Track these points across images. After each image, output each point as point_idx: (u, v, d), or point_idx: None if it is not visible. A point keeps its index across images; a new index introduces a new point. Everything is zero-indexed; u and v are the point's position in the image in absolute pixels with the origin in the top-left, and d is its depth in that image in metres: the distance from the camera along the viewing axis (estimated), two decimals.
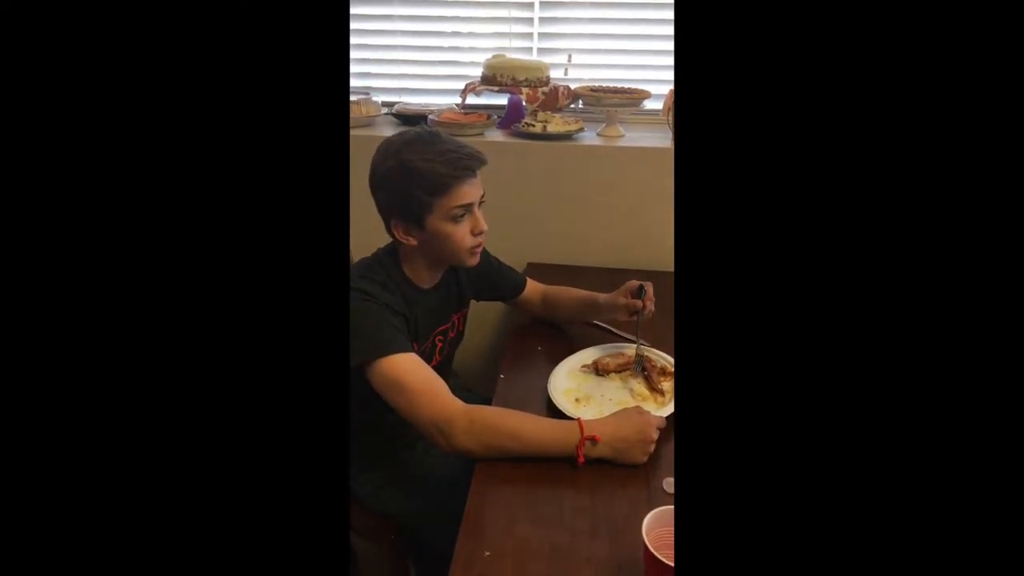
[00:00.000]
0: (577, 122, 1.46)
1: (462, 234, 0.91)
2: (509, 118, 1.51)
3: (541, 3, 1.52)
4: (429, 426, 0.81)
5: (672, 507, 0.64)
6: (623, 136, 1.47)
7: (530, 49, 1.57)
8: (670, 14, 1.49)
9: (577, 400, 0.96)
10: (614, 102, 1.42)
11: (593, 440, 0.80)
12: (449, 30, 1.59)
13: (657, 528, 0.63)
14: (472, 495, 0.78)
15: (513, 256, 1.50)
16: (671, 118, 1.43)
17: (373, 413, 0.88)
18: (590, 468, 0.81)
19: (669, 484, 0.79)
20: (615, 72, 1.55)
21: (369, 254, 0.99)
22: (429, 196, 0.88)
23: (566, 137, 1.43)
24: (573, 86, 1.51)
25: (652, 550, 0.59)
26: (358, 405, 0.87)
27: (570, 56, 1.55)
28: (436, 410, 0.81)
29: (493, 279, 1.12)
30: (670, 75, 1.53)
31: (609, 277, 1.40)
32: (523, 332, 1.19)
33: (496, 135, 1.49)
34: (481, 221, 0.92)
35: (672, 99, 1.42)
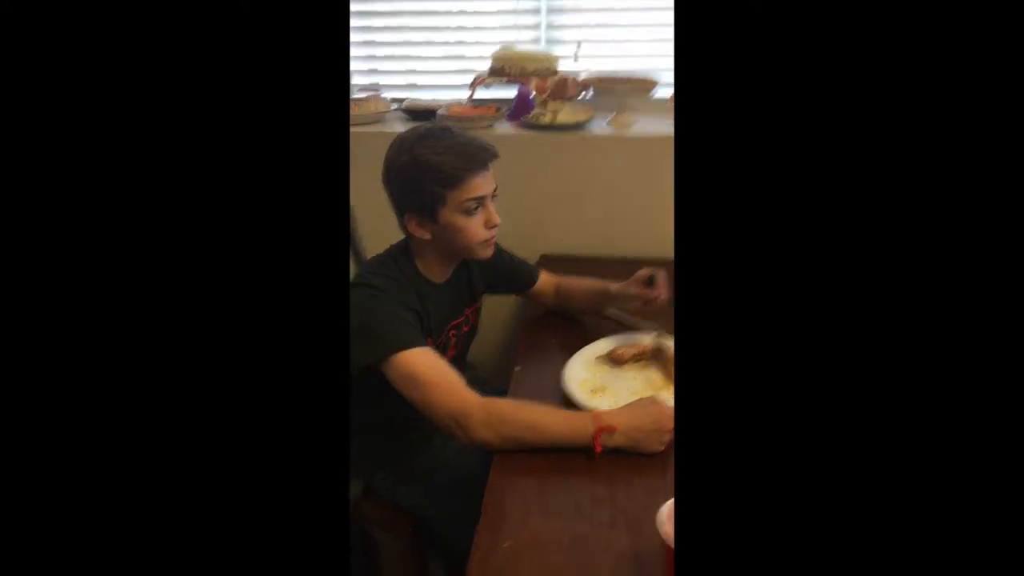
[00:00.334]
0: (587, 111, 1.45)
1: (475, 227, 0.91)
2: (518, 110, 1.50)
3: None
4: (446, 419, 0.82)
5: None
6: (634, 124, 1.45)
7: (538, 40, 1.56)
8: None
9: (593, 391, 0.96)
10: (624, 90, 1.41)
11: (609, 430, 0.80)
12: (456, 24, 1.58)
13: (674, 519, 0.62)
14: (490, 487, 0.78)
15: (526, 249, 1.50)
16: None
17: (389, 408, 0.89)
18: (607, 459, 0.81)
19: None
20: (624, 61, 1.53)
21: (382, 251, 1.00)
22: (442, 189, 0.88)
23: (576, 127, 1.42)
24: (582, 75, 1.50)
25: (668, 542, 0.59)
26: (374, 401, 0.88)
27: (579, 45, 1.54)
28: (453, 403, 0.82)
29: (506, 272, 1.12)
30: None
31: (624, 267, 1.38)
32: (537, 324, 1.19)
33: (506, 128, 1.48)
34: (494, 214, 0.92)
35: None
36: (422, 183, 0.88)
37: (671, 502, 0.63)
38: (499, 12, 1.55)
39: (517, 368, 1.04)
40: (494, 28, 1.57)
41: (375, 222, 1.04)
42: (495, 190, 0.93)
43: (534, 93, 1.47)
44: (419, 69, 1.63)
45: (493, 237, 0.94)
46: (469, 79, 1.53)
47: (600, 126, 1.46)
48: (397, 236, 0.99)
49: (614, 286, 1.10)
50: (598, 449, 0.80)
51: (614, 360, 1.02)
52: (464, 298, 1.06)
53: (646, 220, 1.45)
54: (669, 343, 1.04)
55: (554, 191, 1.46)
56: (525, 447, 0.82)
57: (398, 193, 0.92)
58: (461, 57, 1.61)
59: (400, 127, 1.49)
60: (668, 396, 0.92)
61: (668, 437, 0.81)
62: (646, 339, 1.06)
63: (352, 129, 1.19)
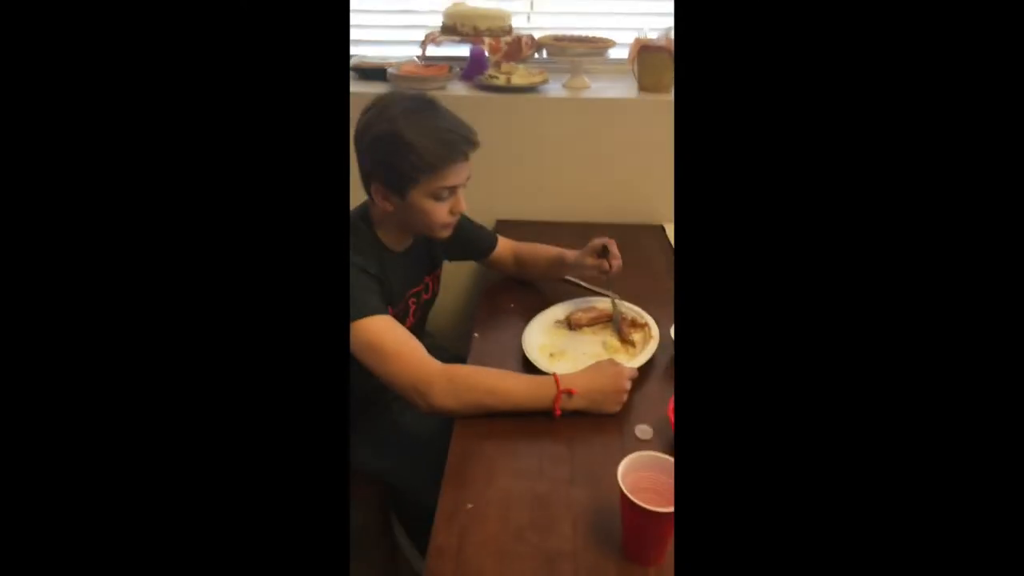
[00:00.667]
0: (541, 73, 1.43)
1: (441, 212, 0.91)
2: (471, 70, 1.47)
3: None
4: (407, 387, 0.82)
5: (646, 453, 0.67)
6: (589, 87, 1.45)
7: None
8: None
9: (552, 355, 0.98)
10: (579, 52, 1.40)
11: (569, 393, 0.82)
12: None
13: (632, 473, 0.65)
14: (452, 450, 0.80)
15: (482, 213, 1.49)
16: (636, 67, 1.42)
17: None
18: (566, 419, 0.84)
19: (642, 431, 0.83)
20: (578, 19, 1.51)
21: None
22: (417, 172, 0.87)
23: (531, 89, 1.41)
24: (537, 35, 1.47)
25: (627, 494, 0.62)
26: None
27: (532, 3, 1.51)
28: (413, 371, 0.82)
29: (465, 239, 1.12)
30: (635, 23, 1.50)
31: (580, 231, 1.40)
32: (495, 290, 1.20)
33: (459, 88, 1.45)
34: (461, 202, 0.93)
35: (637, 48, 1.40)
36: (397, 160, 0.86)
37: (629, 458, 0.66)
38: None
39: (476, 335, 1.05)
40: None
41: None
42: (467, 178, 0.92)
43: (487, 53, 1.44)
44: (366, 24, 1.56)
45: (455, 221, 0.94)
46: (419, 36, 1.48)
47: (555, 88, 1.45)
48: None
49: (569, 254, 1.12)
50: (558, 412, 0.83)
51: (571, 325, 1.04)
52: (424, 265, 1.05)
53: (603, 184, 1.46)
54: (623, 307, 1.07)
55: (510, 155, 1.45)
56: (487, 412, 0.83)
57: (369, 161, 0.90)
58: (411, 12, 1.55)
59: (349, 85, 1.44)
60: (624, 358, 0.95)
61: (624, 397, 0.85)
62: (601, 304, 1.08)
63: None
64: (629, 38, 1.44)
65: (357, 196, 0.97)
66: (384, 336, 0.84)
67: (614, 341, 1.02)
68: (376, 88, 1.41)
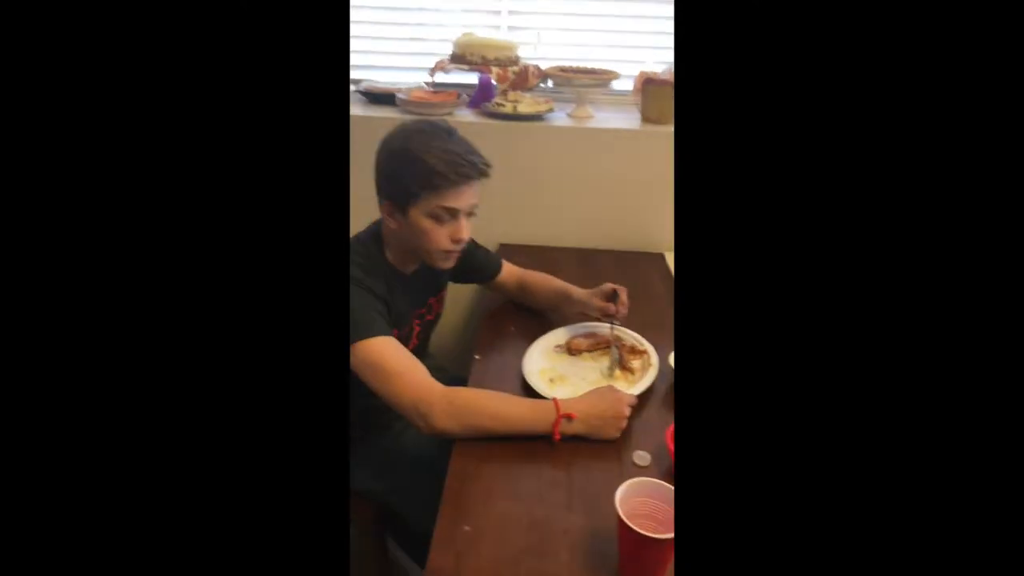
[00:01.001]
0: (547, 102, 1.46)
1: (439, 236, 0.90)
2: (479, 97, 1.50)
3: None
4: (408, 408, 0.83)
5: (644, 479, 0.67)
6: (593, 117, 1.48)
7: (499, 27, 1.56)
8: None
9: (551, 380, 0.99)
10: (584, 83, 1.43)
11: (569, 418, 0.83)
12: (416, 5, 1.56)
13: (630, 499, 0.66)
14: (451, 472, 0.80)
15: (484, 237, 1.50)
16: (640, 99, 1.45)
17: (351, 394, 0.89)
18: (565, 444, 0.84)
19: (640, 457, 0.83)
20: (584, 51, 1.56)
21: (350, 233, 0.99)
22: (418, 188, 0.88)
23: (537, 117, 1.44)
24: (543, 66, 1.51)
25: (625, 520, 0.62)
26: None
27: (539, 35, 1.55)
28: (415, 392, 0.83)
29: (471, 262, 1.13)
30: (639, 55, 1.55)
31: (579, 257, 1.43)
32: (496, 313, 1.21)
33: (466, 114, 1.48)
34: (463, 230, 0.91)
35: (641, 80, 1.44)
36: (403, 175, 0.88)
37: (627, 484, 0.66)
38: None
39: (477, 357, 1.06)
40: (454, 11, 1.56)
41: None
42: (474, 207, 0.92)
43: (495, 81, 1.48)
44: (376, 50, 1.60)
45: (456, 252, 0.93)
46: (428, 62, 1.52)
47: (560, 117, 1.48)
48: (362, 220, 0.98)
49: (577, 291, 1.12)
50: (557, 436, 0.83)
51: (571, 350, 1.05)
52: (431, 288, 1.06)
53: (605, 211, 1.49)
54: (622, 333, 1.08)
55: (514, 180, 1.47)
56: (487, 435, 0.84)
57: (382, 176, 0.92)
58: (421, 40, 1.59)
59: (358, 108, 1.47)
60: (623, 385, 0.96)
61: (624, 424, 0.85)
62: (601, 330, 1.10)
63: None
64: (633, 71, 1.48)
65: (359, 216, 1.00)
66: (387, 357, 0.85)
67: (614, 367, 1.03)
68: (385, 112, 1.45)
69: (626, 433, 0.87)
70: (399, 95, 1.45)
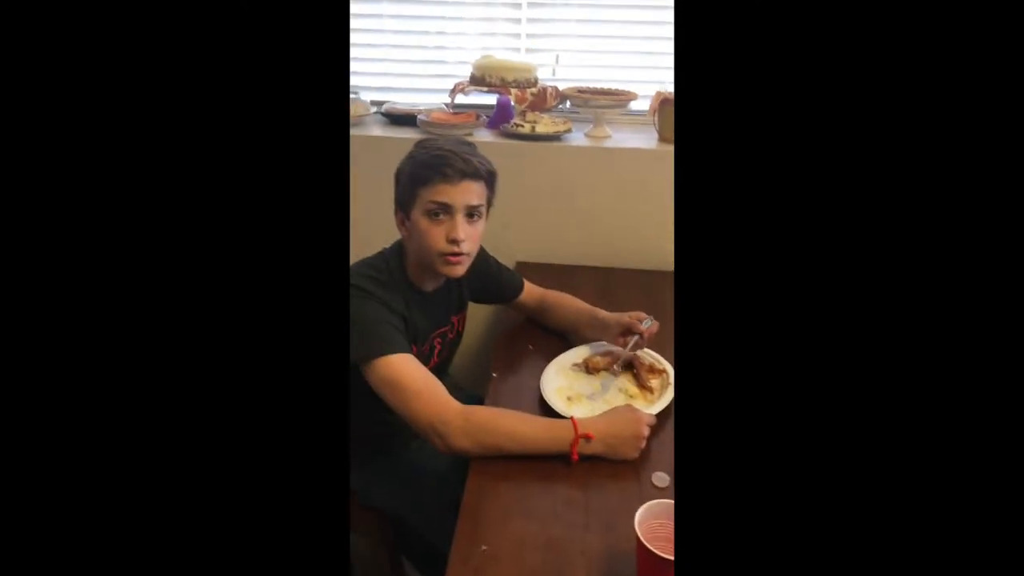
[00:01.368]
0: (566, 123, 1.48)
1: (436, 235, 0.89)
2: (498, 118, 1.53)
3: (528, 3, 1.53)
4: (426, 427, 0.83)
5: (663, 501, 0.67)
6: (610, 137, 1.49)
7: (518, 49, 1.59)
8: (657, 15, 1.52)
9: (569, 399, 0.99)
10: (602, 103, 1.45)
11: (587, 438, 0.82)
12: (436, 29, 1.60)
13: (649, 521, 0.65)
14: (468, 492, 0.80)
15: (502, 255, 1.50)
16: (657, 119, 1.46)
17: (367, 411, 0.90)
18: (582, 465, 0.84)
19: (659, 479, 0.83)
20: (602, 72, 1.57)
21: (371, 254, 1.00)
22: (414, 185, 0.90)
23: (555, 138, 1.46)
24: (561, 87, 1.53)
25: (644, 542, 0.62)
26: (354, 402, 0.89)
27: (557, 57, 1.57)
28: (433, 411, 0.83)
29: (492, 281, 1.13)
30: (656, 76, 1.56)
31: (597, 276, 1.44)
32: (513, 331, 1.21)
33: (485, 135, 1.50)
34: (458, 228, 0.88)
35: (658, 100, 1.45)
36: (405, 177, 0.91)
37: (646, 506, 0.66)
38: (479, 19, 1.57)
39: (494, 375, 1.06)
40: (474, 35, 1.59)
41: (360, 226, 1.05)
42: (474, 208, 0.91)
43: (514, 103, 1.50)
44: (396, 72, 1.64)
45: (456, 255, 0.90)
46: (447, 84, 1.55)
47: (578, 137, 1.50)
48: (367, 245, 1.00)
49: (603, 313, 1.10)
50: (575, 456, 0.83)
51: (589, 369, 1.05)
52: (452, 307, 1.07)
53: (622, 230, 1.50)
54: (641, 353, 1.07)
55: (532, 199, 1.49)
56: (504, 454, 0.84)
57: (396, 188, 0.95)
58: (441, 62, 1.62)
59: (378, 130, 1.50)
60: (642, 404, 0.95)
61: (643, 444, 0.85)
62: (618, 349, 1.09)
63: None
64: (651, 91, 1.49)
65: (380, 235, 1.02)
66: (405, 374, 0.85)
67: (632, 387, 1.02)
68: (405, 133, 1.48)
69: (644, 453, 0.86)
70: (420, 116, 1.47)
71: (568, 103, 1.54)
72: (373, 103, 1.60)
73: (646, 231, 1.48)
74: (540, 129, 1.43)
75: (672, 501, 0.67)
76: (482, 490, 0.80)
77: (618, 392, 1.01)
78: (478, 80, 1.48)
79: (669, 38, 1.55)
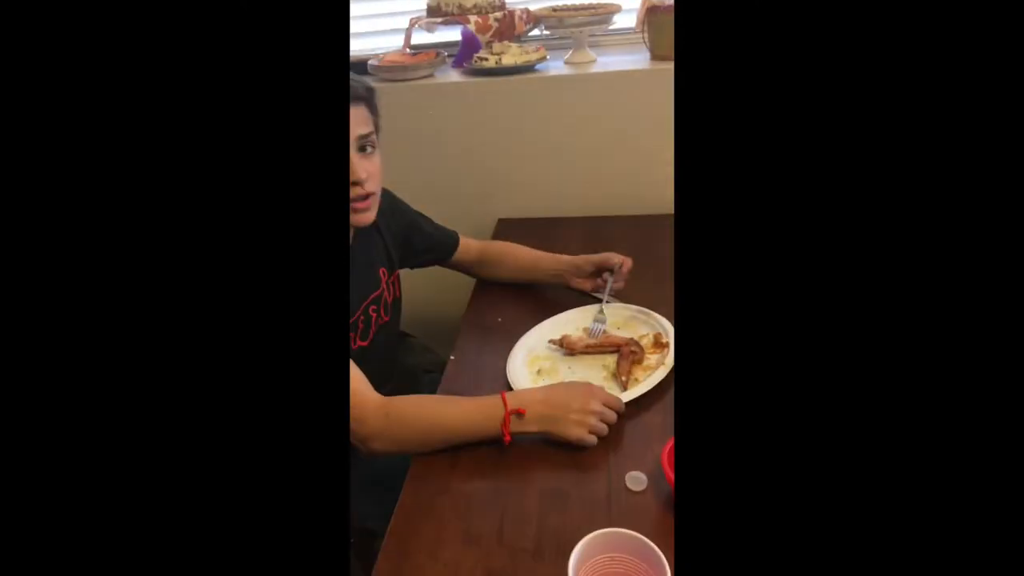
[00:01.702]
0: (539, 50, 1.26)
1: None
2: (464, 54, 1.32)
3: None
4: None
5: (615, 530, 0.50)
6: (594, 61, 1.27)
7: None
8: None
9: (539, 371, 0.85)
10: (578, 21, 1.22)
11: (518, 414, 0.69)
12: None
13: (596, 557, 0.50)
14: (398, 510, 0.67)
15: (480, 213, 1.35)
16: (647, 33, 1.22)
17: None
18: (541, 468, 0.69)
19: (634, 480, 0.66)
20: None
21: None
22: None
23: (527, 69, 1.24)
24: (532, 7, 1.31)
25: None
26: None
27: None
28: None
29: (420, 239, 0.99)
30: None
31: (587, 228, 1.24)
32: (482, 301, 1.05)
33: (450, 75, 1.31)
34: (356, 168, 0.74)
35: (646, 9, 1.21)
36: None
37: (591, 537, 0.50)
38: None
39: (452, 358, 0.91)
40: None
41: None
42: (366, 139, 0.75)
43: (476, 32, 1.29)
44: (353, 15, 1.45)
45: (362, 200, 0.76)
46: (404, 23, 1.35)
47: (556, 66, 1.28)
48: None
49: (545, 261, 0.99)
50: (507, 437, 0.69)
51: (567, 347, 0.88)
52: (376, 262, 0.92)
53: (617, 171, 1.28)
54: (654, 319, 0.90)
55: (508, 145, 1.29)
56: (433, 448, 0.71)
57: None
58: None
59: None
60: (615, 389, 0.79)
61: (590, 421, 0.69)
62: (616, 330, 0.91)
63: None
64: (637, 2, 1.25)
65: None
66: None
67: (611, 365, 0.85)
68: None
69: (618, 446, 0.71)
70: (371, 61, 1.29)
71: (541, 26, 1.31)
72: None
73: (642, 168, 1.26)
74: (507, 60, 1.22)
75: (622, 531, 0.50)
76: (415, 507, 0.67)
77: (601, 369, 0.84)
78: (434, 10, 1.27)
79: None
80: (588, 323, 0.92)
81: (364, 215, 0.78)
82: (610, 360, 0.85)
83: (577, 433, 0.69)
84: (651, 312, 0.91)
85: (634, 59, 1.26)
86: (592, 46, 1.31)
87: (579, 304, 0.97)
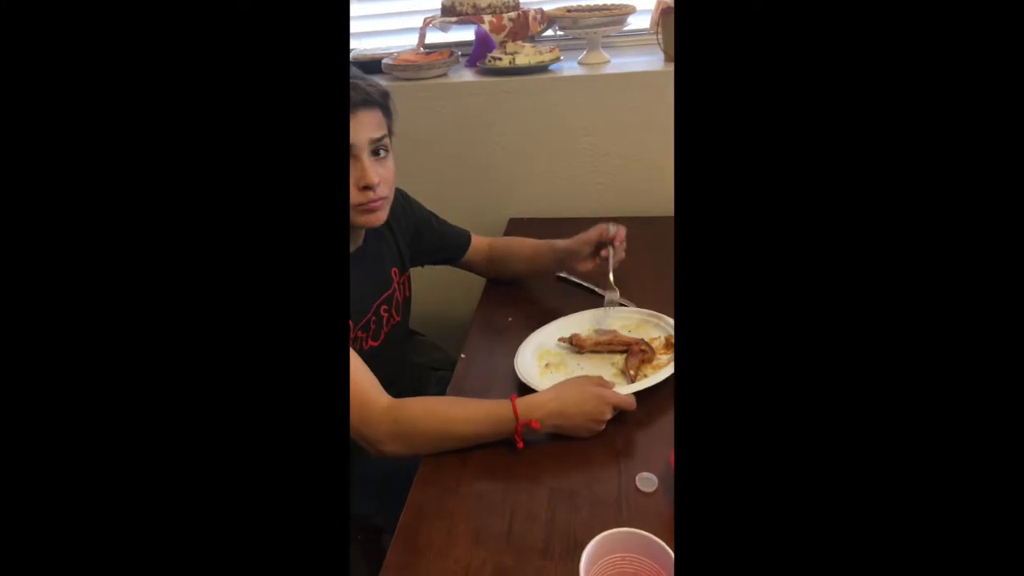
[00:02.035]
0: (552, 51, 1.26)
1: None
2: (477, 53, 1.32)
3: None
4: (352, 433, 0.71)
5: (625, 530, 0.50)
6: (608, 62, 1.27)
7: None
8: None
9: (547, 365, 0.86)
10: (592, 22, 1.22)
11: (531, 427, 0.70)
12: None
13: (608, 556, 0.49)
14: (407, 508, 0.66)
15: (492, 213, 1.35)
16: (661, 34, 1.22)
17: None
18: (550, 467, 0.69)
19: (645, 481, 0.66)
20: None
21: None
22: None
23: (540, 69, 1.24)
24: (547, 8, 1.31)
25: None
26: None
27: None
28: (357, 412, 0.70)
29: (431, 238, 0.98)
30: None
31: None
32: (491, 300, 1.05)
33: (463, 74, 1.31)
34: (368, 172, 0.74)
35: (660, 10, 1.20)
36: None
37: (602, 537, 0.49)
38: None
39: (463, 356, 0.91)
40: None
41: None
42: (380, 142, 0.75)
43: (490, 32, 1.29)
44: (365, 14, 1.45)
45: (373, 202, 0.76)
46: (419, 22, 1.36)
47: (571, 66, 1.28)
48: None
49: (561, 242, 0.97)
50: (520, 444, 0.70)
51: (576, 344, 0.88)
52: (389, 262, 0.92)
53: (629, 171, 1.28)
54: (656, 319, 0.90)
55: (521, 144, 1.29)
56: (443, 450, 0.71)
57: None
58: None
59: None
60: (621, 383, 0.78)
61: (601, 426, 0.71)
62: (621, 325, 0.91)
63: None
64: (650, 2, 1.25)
65: None
66: None
67: (619, 363, 0.84)
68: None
69: (628, 449, 0.70)
70: (385, 60, 1.29)
71: (556, 26, 1.31)
72: None
73: (657, 169, 1.26)
74: (520, 60, 1.22)
75: (634, 531, 0.50)
76: (425, 505, 0.67)
77: (611, 366, 0.84)
78: (448, 10, 1.28)
79: None
80: (599, 324, 0.92)
81: (375, 215, 0.78)
82: (619, 359, 0.85)
83: (591, 433, 0.71)
84: (663, 316, 0.90)
85: (648, 60, 1.26)
86: (606, 47, 1.30)
87: (591, 306, 0.96)
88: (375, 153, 0.76)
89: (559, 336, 0.90)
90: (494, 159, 1.31)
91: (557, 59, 1.26)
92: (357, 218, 0.77)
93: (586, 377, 0.75)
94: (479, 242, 1.04)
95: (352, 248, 0.85)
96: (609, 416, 0.71)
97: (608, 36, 1.30)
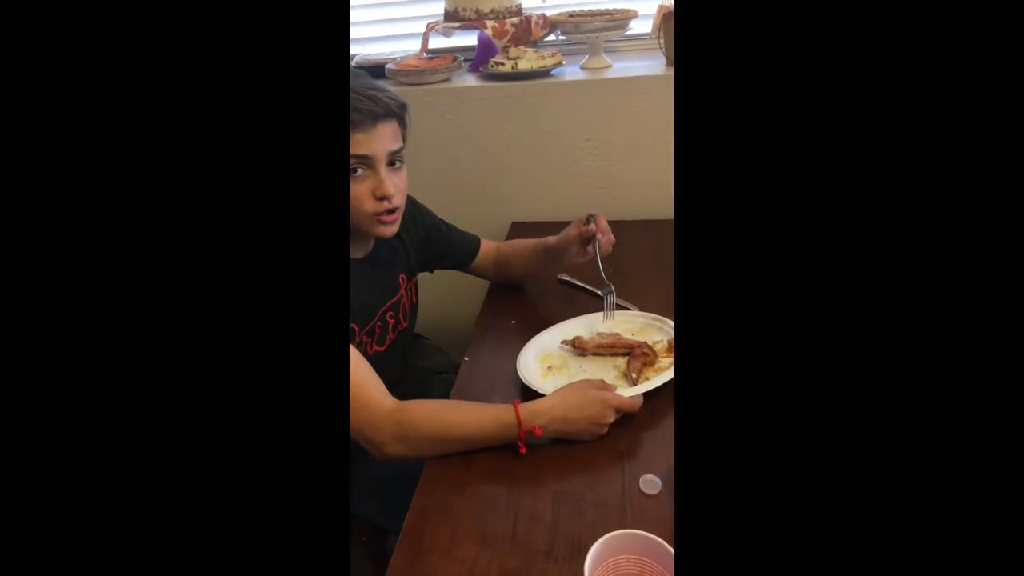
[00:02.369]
0: (555, 55, 1.27)
1: (361, 194, 0.75)
2: (480, 58, 1.33)
3: None
4: (355, 434, 0.71)
5: (630, 532, 0.51)
6: (610, 66, 1.27)
7: None
8: None
9: (550, 367, 0.86)
10: (594, 27, 1.22)
11: (534, 433, 0.70)
12: None
13: (612, 557, 0.50)
14: (412, 509, 0.67)
15: (494, 217, 1.35)
16: (662, 39, 1.23)
17: None
18: (553, 470, 0.69)
19: (648, 483, 0.66)
20: None
21: None
22: None
23: (543, 74, 1.25)
24: (549, 13, 1.32)
25: None
26: None
27: None
28: (360, 415, 0.70)
29: (441, 245, 0.99)
30: None
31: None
32: (494, 304, 1.05)
33: (466, 79, 1.32)
34: (385, 183, 0.75)
35: (662, 15, 1.21)
36: None
37: (606, 539, 0.50)
38: None
39: (466, 359, 0.91)
40: None
41: None
42: (394, 154, 0.77)
43: (493, 37, 1.30)
44: (368, 19, 1.46)
45: (390, 212, 0.77)
46: (422, 27, 1.37)
47: (572, 71, 1.28)
48: None
49: (551, 239, 0.97)
50: (523, 449, 0.71)
51: (579, 347, 0.88)
52: (397, 268, 0.92)
53: (631, 175, 1.29)
54: (659, 322, 0.91)
55: (523, 148, 1.30)
56: (447, 453, 0.72)
57: None
58: (414, 2, 1.43)
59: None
60: (624, 386, 0.79)
61: (604, 430, 0.71)
62: (625, 330, 0.91)
63: None
64: (651, 7, 1.26)
65: None
66: None
67: (621, 366, 0.85)
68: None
69: (632, 451, 0.70)
70: (388, 65, 1.30)
71: (558, 32, 1.32)
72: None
73: (659, 173, 1.27)
74: (523, 65, 1.23)
75: (640, 533, 0.50)
76: (429, 506, 0.67)
77: (613, 369, 0.84)
78: (451, 15, 1.29)
79: None
80: (601, 328, 0.92)
81: (390, 227, 0.79)
82: (621, 362, 0.85)
83: (591, 438, 0.71)
84: (665, 319, 0.91)
85: (650, 65, 1.26)
86: (608, 52, 1.31)
87: (593, 309, 0.97)
88: (391, 164, 0.77)
89: (562, 339, 0.90)
90: (497, 163, 1.32)
91: (559, 64, 1.27)
92: (372, 229, 0.78)
93: (588, 381, 0.75)
94: (488, 247, 1.04)
95: (362, 254, 0.86)
96: (612, 419, 0.71)
97: (610, 41, 1.31)
